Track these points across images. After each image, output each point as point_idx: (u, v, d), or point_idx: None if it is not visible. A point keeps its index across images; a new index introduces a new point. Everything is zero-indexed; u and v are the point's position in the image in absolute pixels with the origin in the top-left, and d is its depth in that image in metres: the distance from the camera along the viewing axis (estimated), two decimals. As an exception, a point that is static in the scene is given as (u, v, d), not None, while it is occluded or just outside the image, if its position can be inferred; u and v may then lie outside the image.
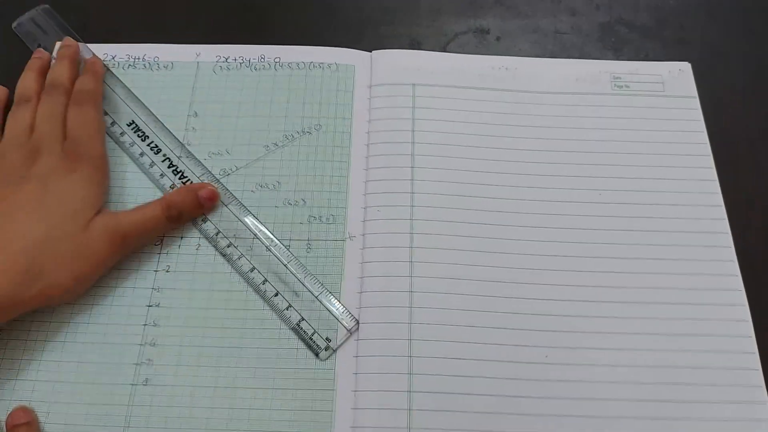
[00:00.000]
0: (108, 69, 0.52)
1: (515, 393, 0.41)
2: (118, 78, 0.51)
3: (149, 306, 0.44)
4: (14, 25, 0.53)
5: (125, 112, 0.50)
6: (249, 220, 0.46)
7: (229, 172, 0.48)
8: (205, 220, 0.46)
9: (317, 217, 0.47)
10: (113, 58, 0.53)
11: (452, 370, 0.42)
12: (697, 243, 0.46)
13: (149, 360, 0.42)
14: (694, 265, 0.45)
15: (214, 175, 0.48)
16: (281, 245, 0.46)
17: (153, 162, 0.48)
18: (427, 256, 0.45)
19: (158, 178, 0.48)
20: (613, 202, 0.48)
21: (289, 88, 0.52)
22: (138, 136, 0.49)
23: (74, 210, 0.42)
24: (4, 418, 0.40)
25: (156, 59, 0.53)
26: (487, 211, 0.47)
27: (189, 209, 0.46)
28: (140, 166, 0.48)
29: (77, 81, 0.49)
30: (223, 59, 0.53)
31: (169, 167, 0.48)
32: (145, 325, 0.43)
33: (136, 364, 0.42)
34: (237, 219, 0.46)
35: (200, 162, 0.48)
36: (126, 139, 0.49)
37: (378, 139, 0.50)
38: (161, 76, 0.52)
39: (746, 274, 0.45)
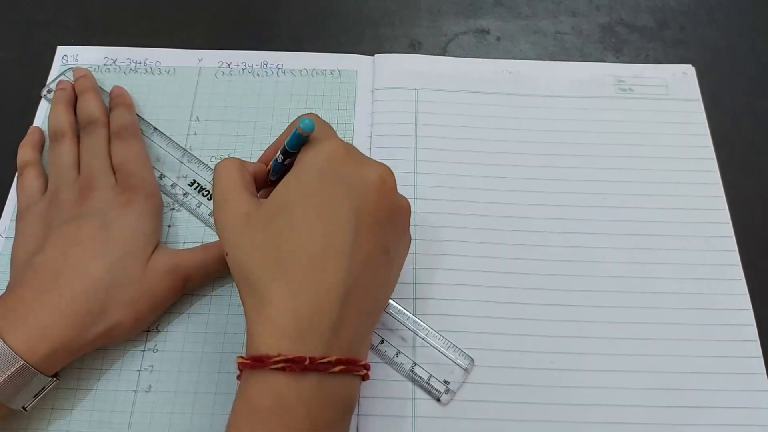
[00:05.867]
0: (156, 128, 0.49)
1: (521, 399, 0.41)
2: (170, 138, 0.49)
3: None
4: (44, 92, 0.51)
5: (185, 173, 0.48)
6: None
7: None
8: None
9: (320, 222, 0.47)
10: (114, 61, 0.53)
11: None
12: (700, 247, 0.46)
13: (151, 366, 0.42)
14: (697, 269, 0.45)
15: None
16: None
17: None
18: (429, 262, 0.45)
19: None
20: (618, 206, 0.48)
21: (291, 94, 0.52)
22: (203, 195, 0.47)
23: (134, 247, 0.41)
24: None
25: (158, 63, 0.53)
26: (490, 216, 0.47)
27: None
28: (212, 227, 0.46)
29: (113, 115, 0.48)
30: (225, 65, 0.53)
31: None
32: (148, 331, 0.43)
33: (139, 371, 0.42)
34: None
35: None
36: (191, 201, 0.47)
37: (380, 143, 0.49)
38: (163, 81, 0.52)
39: (749, 276, 0.45)
